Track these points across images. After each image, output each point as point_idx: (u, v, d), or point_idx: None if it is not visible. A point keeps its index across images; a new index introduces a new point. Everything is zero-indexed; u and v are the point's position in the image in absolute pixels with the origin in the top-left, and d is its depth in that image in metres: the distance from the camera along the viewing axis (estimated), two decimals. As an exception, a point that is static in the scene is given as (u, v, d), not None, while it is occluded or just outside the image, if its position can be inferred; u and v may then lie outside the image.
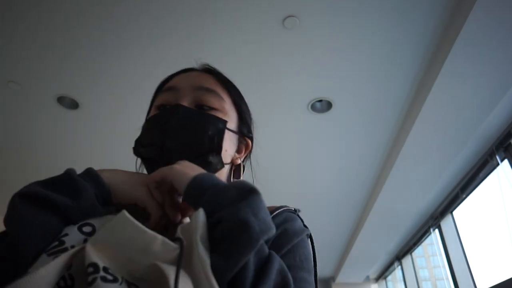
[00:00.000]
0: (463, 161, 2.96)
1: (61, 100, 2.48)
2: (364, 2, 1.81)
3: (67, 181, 0.47)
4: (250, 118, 0.74)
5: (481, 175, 3.00)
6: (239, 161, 0.69)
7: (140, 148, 0.61)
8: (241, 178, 0.74)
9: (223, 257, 0.38)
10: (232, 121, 0.65)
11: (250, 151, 0.72)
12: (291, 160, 3.11)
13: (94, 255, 0.38)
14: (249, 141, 0.71)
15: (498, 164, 2.73)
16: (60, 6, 1.85)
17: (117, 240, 0.39)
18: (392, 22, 1.91)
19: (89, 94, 2.41)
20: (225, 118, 0.63)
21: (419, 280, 4.73)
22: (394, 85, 2.31)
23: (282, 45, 2.05)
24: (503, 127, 2.56)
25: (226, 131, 0.62)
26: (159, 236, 0.39)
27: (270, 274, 0.39)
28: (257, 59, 2.15)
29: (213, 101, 0.63)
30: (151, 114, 0.66)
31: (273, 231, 0.42)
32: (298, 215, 0.61)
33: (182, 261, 0.37)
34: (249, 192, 0.44)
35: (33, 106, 2.54)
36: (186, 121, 0.59)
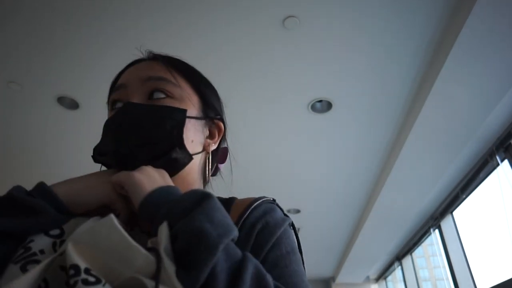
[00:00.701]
0: (463, 162, 2.96)
1: (61, 100, 2.48)
2: (364, 3, 1.81)
3: (14, 201, 0.43)
4: (217, 98, 0.68)
5: (481, 175, 3.00)
6: (213, 147, 0.64)
7: (97, 156, 0.56)
8: (226, 161, 0.71)
9: (186, 271, 0.37)
10: (193, 107, 0.60)
11: (225, 133, 0.67)
12: (291, 160, 3.11)
13: (75, 256, 0.37)
14: (220, 123, 0.66)
15: (498, 165, 2.73)
16: (60, 7, 1.85)
17: (100, 246, 0.38)
18: (393, 23, 1.91)
19: (89, 94, 2.41)
20: (182, 106, 0.57)
21: (419, 280, 4.74)
22: (394, 85, 2.31)
23: (282, 46, 2.05)
24: (503, 127, 2.56)
25: (188, 120, 0.56)
26: (143, 250, 0.38)
27: (244, 279, 0.37)
28: (257, 60, 2.15)
29: (166, 89, 0.57)
30: (108, 116, 0.61)
31: (234, 232, 0.41)
32: (277, 204, 0.59)
33: (161, 274, 0.37)
34: (201, 199, 0.43)
35: (33, 106, 2.54)
36: (137, 120, 0.53)
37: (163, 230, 0.40)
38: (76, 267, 0.36)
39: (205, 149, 0.62)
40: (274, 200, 0.60)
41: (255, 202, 0.56)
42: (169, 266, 0.37)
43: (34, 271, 0.36)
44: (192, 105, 0.60)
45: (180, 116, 0.55)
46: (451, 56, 1.90)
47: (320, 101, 2.46)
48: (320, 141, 2.85)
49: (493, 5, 1.63)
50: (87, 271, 0.36)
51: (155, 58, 0.64)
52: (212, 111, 0.64)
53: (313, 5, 1.82)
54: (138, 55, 0.66)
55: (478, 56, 1.89)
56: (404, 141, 2.62)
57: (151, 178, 0.49)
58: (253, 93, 2.38)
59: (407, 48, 2.05)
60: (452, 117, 2.32)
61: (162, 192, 0.46)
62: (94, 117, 2.60)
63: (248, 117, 2.59)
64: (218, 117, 0.65)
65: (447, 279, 3.73)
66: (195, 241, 0.38)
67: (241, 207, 0.55)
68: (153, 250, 0.39)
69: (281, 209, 0.59)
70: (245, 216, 0.53)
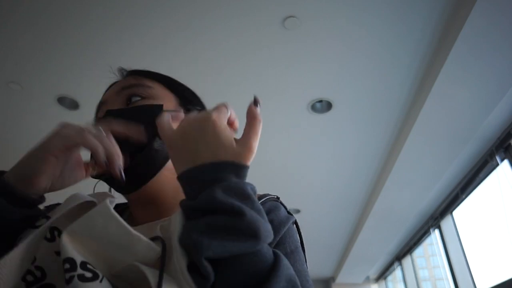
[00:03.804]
0: (463, 162, 2.96)
1: (61, 100, 2.48)
2: (364, 3, 1.81)
3: None
4: (193, 94, 0.69)
5: (481, 175, 3.00)
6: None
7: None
8: None
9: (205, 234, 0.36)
10: (169, 102, 0.62)
11: None
12: (291, 161, 3.11)
13: (70, 248, 0.36)
14: None
15: (498, 165, 2.73)
16: (60, 7, 1.85)
17: (97, 236, 0.38)
18: (393, 23, 1.91)
19: (89, 94, 2.41)
20: (158, 102, 0.60)
21: (419, 280, 4.73)
22: (394, 85, 2.31)
23: (282, 46, 2.05)
24: (503, 127, 2.56)
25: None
26: (144, 238, 0.37)
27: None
28: (257, 60, 2.15)
29: (140, 92, 0.60)
30: None
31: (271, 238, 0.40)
32: (281, 202, 0.59)
33: (165, 265, 0.36)
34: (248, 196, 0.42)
35: (34, 107, 2.54)
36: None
37: (179, 218, 0.39)
38: (71, 261, 0.35)
39: None
40: (278, 198, 0.60)
41: (259, 200, 0.56)
42: (180, 259, 0.36)
43: (21, 246, 0.36)
44: (168, 101, 0.62)
45: (156, 111, 0.56)
46: (451, 56, 1.90)
47: (320, 101, 2.46)
48: (320, 141, 2.85)
49: (493, 5, 1.64)
50: (83, 265, 0.35)
51: (129, 74, 0.67)
52: (190, 104, 0.65)
53: (313, 5, 1.82)
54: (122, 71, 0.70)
55: (478, 56, 1.89)
56: (404, 141, 2.62)
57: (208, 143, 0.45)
58: (253, 93, 2.37)
59: (407, 48, 2.05)
60: (452, 117, 2.32)
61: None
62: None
63: (248, 117, 2.59)
64: (198, 108, 0.66)
65: (447, 279, 3.73)
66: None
67: None
68: (158, 239, 0.38)
69: (285, 207, 0.59)
70: None
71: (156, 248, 0.37)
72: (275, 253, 0.41)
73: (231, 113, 0.46)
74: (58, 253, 0.38)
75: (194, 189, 0.41)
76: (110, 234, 0.37)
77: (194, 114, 0.45)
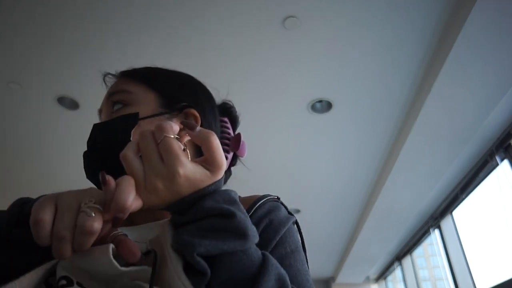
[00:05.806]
0: (463, 162, 2.96)
1: (61, 100, 2.48)
2: (364, 3, 1.81)
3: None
4: (185, 88, 0.66)
5: (481, 175, 3.00)
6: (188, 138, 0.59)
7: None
8: (240, 148, 0.68)
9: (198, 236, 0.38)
10: (148, 106, 0.58)
11: (204, 119, 0.63)
12: (291, 161, 3.11)
13: (67, 270, 0.36)
14: (193, 111, 0.61)
15: (497, 165, 2.73)
16: (60, 8, 1.85)
17: (92, 268, 0.37)
18: (393, 23, 1.91)
19: (89, 94, 2.41)
20: (135, 109, 0.57)
21: (419, 280, 4.73)
22: (394, 85, 2.31)
23: (282, 46, 2.05)
24: (503, 127, 2.56)
25: (142, 120, 0.56)
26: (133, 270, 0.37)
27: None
28: (257, 60, 2.15)
29: (121, 98, 0.59)
30: None
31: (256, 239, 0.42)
32: (281, 203, 0.59)
33: (155, 277, 0.37)
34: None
35: (33, 107, 2.54)
36: (96, 140, 0.56)
37: (169, 230, 0.40)
38: (67, 278, 0.36)
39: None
40: (278, 198, 0.60)
41: (260, 200, 0.56)
42: (175, 262, 0.37)
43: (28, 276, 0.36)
44: (148, 105, 0.59)
45: (130, 120, 0.55)
46: (451, 56, 1.90)
47: (320, 101, 2.46)
48: (320, 141, 2.85)
49: (493, 5, 1.64)
50: (79, 285, 0.36)
51: (120, 76, 0.66)
52: (178, 103, 0.61)
53: (313, 5, 1.82)
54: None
55: (478, 56, 1.89)
56: (404, 141, 2.62)
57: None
58: (253, 93, 2.38)
59: (407, 48, 2.05)
60: (452, 117, 2.32)
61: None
62: (94, 117, 2.59)
63: (247, 117, 2.59)
64: (184, 104, 0.61)
65: (447, 279, 3.73)
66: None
67: (245, 205, 0.55)
68: (151, 252, 0.39)
69: (285, 207, 0.59)
70: (249, 215, 0.53)
71: (146, 268, 0.38)
72: (263, 254, 0.42)
73: (175, 128, 0.42)
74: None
75: (181, 211, 0.41)
76: (104, 269, 0.37)
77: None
